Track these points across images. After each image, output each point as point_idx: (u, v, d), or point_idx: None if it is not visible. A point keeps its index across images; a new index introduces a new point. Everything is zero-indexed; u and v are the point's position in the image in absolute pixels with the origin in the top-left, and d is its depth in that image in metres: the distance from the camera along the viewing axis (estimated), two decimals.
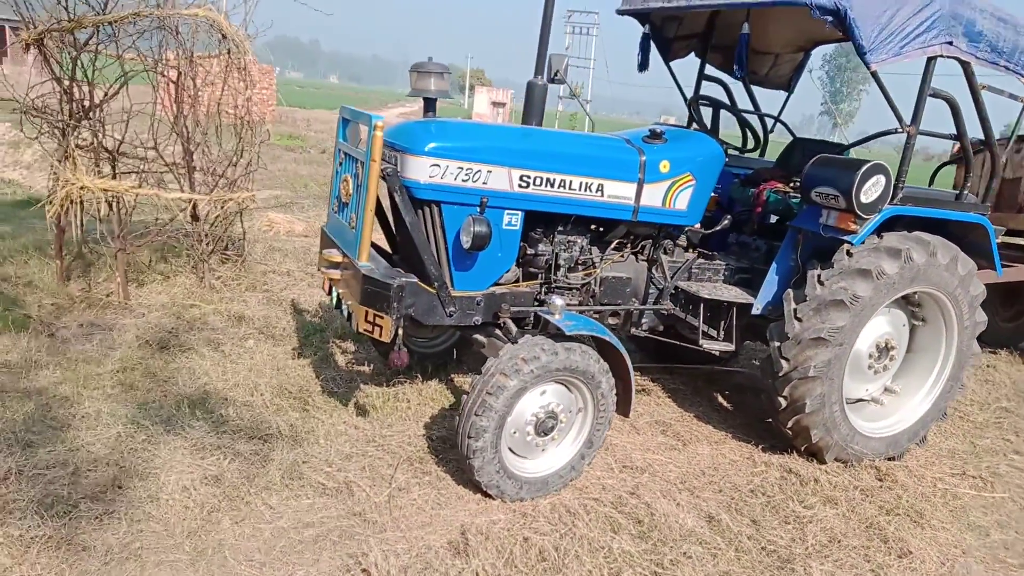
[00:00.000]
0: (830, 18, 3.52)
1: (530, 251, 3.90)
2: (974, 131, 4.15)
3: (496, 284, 3.84)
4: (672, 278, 4.31)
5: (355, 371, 4.62)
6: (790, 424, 4.07)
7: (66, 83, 4.85)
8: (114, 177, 5.14)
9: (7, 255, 5.68)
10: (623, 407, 3.62)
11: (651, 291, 4.36)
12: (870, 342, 4.20)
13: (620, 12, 4.80)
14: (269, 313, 5.31)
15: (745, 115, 4.87)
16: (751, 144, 4.95)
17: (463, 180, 3.52)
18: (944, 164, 6.04)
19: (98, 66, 4.92)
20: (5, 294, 4.95)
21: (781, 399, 4.02)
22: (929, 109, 3.87)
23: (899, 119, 3.81)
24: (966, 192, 4.29)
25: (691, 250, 4.48)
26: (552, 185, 3.72)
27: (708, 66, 5.25)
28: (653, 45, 4.88)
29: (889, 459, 4.35)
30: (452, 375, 4.74)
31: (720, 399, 5.12)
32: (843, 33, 3.60)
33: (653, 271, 4.33)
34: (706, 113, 4.92)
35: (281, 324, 5.14)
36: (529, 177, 3.66)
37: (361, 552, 2.91)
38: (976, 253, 4.28)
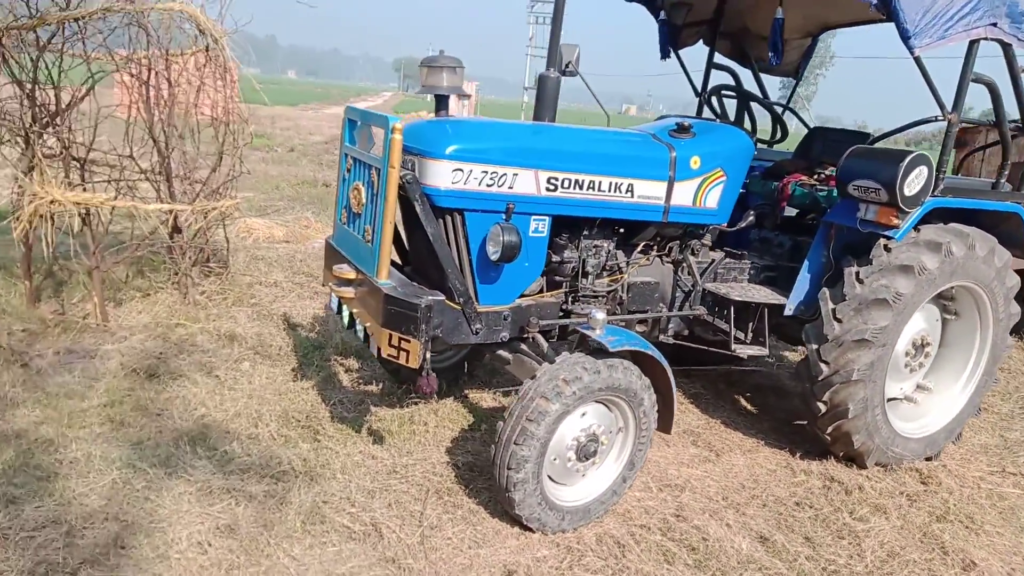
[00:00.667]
0: (875, 0, 3.30)
1: (555, 258, 3.60)
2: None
3: (522, 296, 3.55)
4: (700, 280, 4.08)
5: (363, 391, 4.28)
6: (830, 430, 3.87)
7: (28, 86, 4.40)
8: (85, 188, 4.70)
9: None
10: (664, 424, 3.38)
11: (677, 295, 4.12)
12: (907, 340, 4.03)
13: None
14: (262, 330, 4.93)
15: (773, 105, 4.61)
16: (778, 135, 4.71)
17: (488, 185, 3.21)
18: (975, 150, 5.89)
19: (63, 67, 4.47)
20: None
21: (820, 404, 3.82)
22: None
23: (941, 106, 3.60)
24: (1002, 181, 4.13)
25: (715, 249, 4.24)
26: (581, 187, 3.43)
27: (716, 54, 5.03)
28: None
29: (927, 459, 4.20)
30: (467, 391, 4.44)
31: (744, 402, 4.92)
32: (887, 16, 3.38)
33: (679, 273, 4.09)
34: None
35: (276, 342, 4.77)
36: (557, 179, 3.36)
37: None
38: (1009, 243, 4.12)
